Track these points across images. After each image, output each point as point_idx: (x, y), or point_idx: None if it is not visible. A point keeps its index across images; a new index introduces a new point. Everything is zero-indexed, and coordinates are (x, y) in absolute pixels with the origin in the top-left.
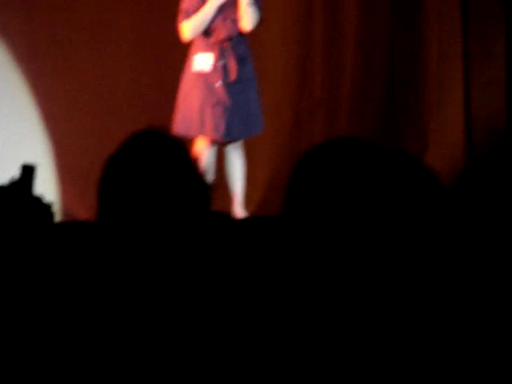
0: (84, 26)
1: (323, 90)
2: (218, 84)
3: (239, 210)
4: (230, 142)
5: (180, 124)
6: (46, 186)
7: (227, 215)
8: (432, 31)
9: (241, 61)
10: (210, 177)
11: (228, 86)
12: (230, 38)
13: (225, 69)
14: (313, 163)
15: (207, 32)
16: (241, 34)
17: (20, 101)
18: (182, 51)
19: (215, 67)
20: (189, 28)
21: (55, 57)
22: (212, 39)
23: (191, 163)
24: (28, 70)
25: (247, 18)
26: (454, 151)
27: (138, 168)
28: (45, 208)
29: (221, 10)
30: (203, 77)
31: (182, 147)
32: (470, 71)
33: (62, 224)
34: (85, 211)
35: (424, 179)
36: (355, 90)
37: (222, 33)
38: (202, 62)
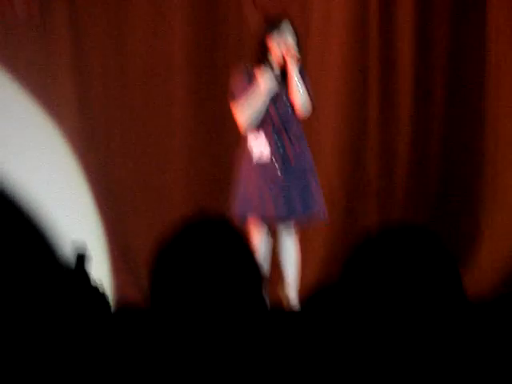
0: (137, 119)
1: (377, 174)
2: (277, 168)
3: (293, 295)
4: (285, 226)
5: (239, 206)
6: (98, 266)
7: (280, 309)
8: (489, 136)
9: (297, 144)
10: (265, 263)
11: (287, 169)
12: (284, 123)
13: (282, 153)
14: (367, 251)
15: (263, 120)
16: (296, 121)
17: (73, 181)
18: (236, 134)
19: (272, 151)
20: (243, 116)
21: (110, 150)
22: (267, 124)
23: (246, 249)
24: (84, 162)
25: (301, 105)
26: (509, 243)
27: (191, 253)
28: (103, 298)
29: (273, 98)
30: (263, 164)
31: (236, 232)
32: None
33: (116, 312)
34: (137, 292)
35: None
36: (409, 175)
37: (276, 118)
38: (259, 146)
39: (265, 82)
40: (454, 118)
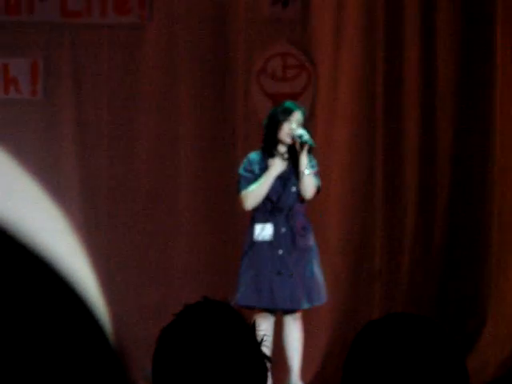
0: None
1: (382, 261)
2: (280, 253)
3: (296, 381)
4: (289, 312)
5: (243, 296)
6: None
7: None
8: (494, 202)
9: (301, 229)
10: (267, 348)
11: (290, 254)
12: (290, 207)
13: (286, 238)
14: (369, 340)
15: (268, 201)
16: (301, 202)
17: (81, 272)
18: (242, 219)
19: (276, 236)
20: (249, 198)
21: (114, 230)
22: (273, 208)
23: (250, 334)
24: (88, 242)
25: (309, 186)
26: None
27: (194, 340)
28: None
29: (280, 178)
30: (265, 246)
31: (239, 318)
32: None
33: None
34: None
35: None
36: (414, 262)
37: (282, 202)
38: (263, 231)
39: (275, 169)
40: (457, 209)
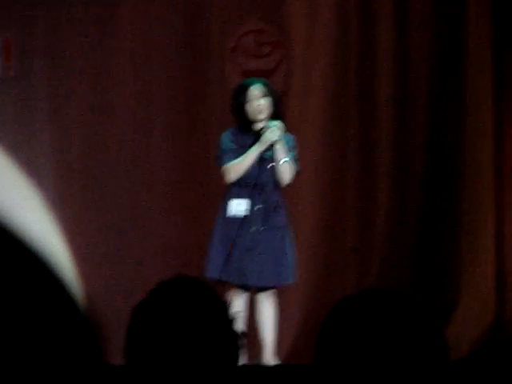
0: (114, 180)
1: (355, 238)
2: (253, 229)
3: (270, 359)
4: (261, 289)
5: (212, 268)
6: None
7: (257, 365)
8: (466, 189)
9: (275, 208)
10: (241, 325)
11: (262, 232)
12: (265, 184)
13: (259, 215)
14: (343, 314)
15: (244, 178)
16: (276, 182)
17: (53, 249)
18: (215, 193)
19: (250, 213)
20: (232, 171)
21: (87, 206)
22: (248, 185)
23: (223, 310)
24: (61, 219)
25: (285, 173)
26: (485, 306)
27: (167, 315)
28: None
29: (258, 156)
30: (237, 222)
31: (213, 293)
32: (502, 224)
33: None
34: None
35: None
36: (388, 239)
37: (258, 179)
38: (237, 207)
39: (261, 146)
40: (430, 184)
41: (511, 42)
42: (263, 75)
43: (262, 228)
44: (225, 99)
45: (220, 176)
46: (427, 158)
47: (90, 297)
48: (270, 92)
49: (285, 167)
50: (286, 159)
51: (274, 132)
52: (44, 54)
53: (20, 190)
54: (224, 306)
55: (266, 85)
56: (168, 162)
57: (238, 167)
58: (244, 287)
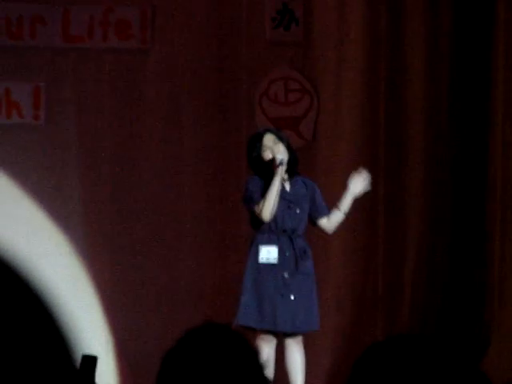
0: (144, 223)
1: (384, 285)
2: (285, 276)
3: None
4: (290, 335)
5: (245, 315)
6: (105, 378)
7: None
8: (495, 224)
9: (304, 254)
10: (270, 371)
11: (293, 278)
12: (294, 230)
13: (290, 261)
14: (373, 360)
15: (272, 222)
16: (303, 226)
17: (83, 293)
18: (245, 240)
19: (281, 259)
20: (265, 208)
21: (117, 253)
22: (277, 230)
23: (253, 358)
24: (91, 266)
25: (335, 227)
26: None
27: (197, 363)
28: None
29: (284, 200)
30: (269, 268)
31: (243, 342)
32: None
33: None
34: None
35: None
36: (416, 284)
37: (286, 224)
38: (268, 254)
39: (277, 177)
40: (459, 228)
41: None
42: (292, 122)
43: (293, 274)
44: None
45: (245, 220)
46: (455, 198)
47: (119, 344)
48: (283, 138)
49: (341, 218)
50: (345, 212)
51: (280, 152)
52: (73, 102)
53: (49, 236)
54: (254, 354)
55: (276, 132)
56: (198, 210)
57: (267, 202)
58: (274, 333)
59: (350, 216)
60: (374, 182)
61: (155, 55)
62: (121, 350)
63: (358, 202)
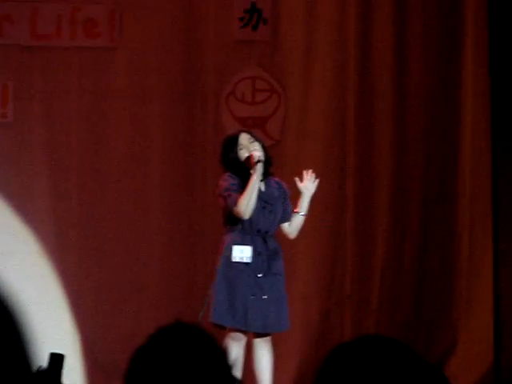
0: (112, 220)
1: (353, 284)
2: (259, 275)
3: None
4: (260, 335)
5: (217, 313)
6: (73, 375)
7: None
8: (464, 226)
9: (275, 254)
10: (237, 370)
11: (265, 278)
12: (267, 231)
13: (262, 261)
14: (338, 361)
15: (246, 222)
16: (275, 227)
17: (52, 294)
18: (212, 241)
19: (253, 259)
20: (243, 207)
21: (85, 252)
22: (251, 230)
23: (221, 358)
24: (59, 264)
25: (300, 226)
26: (483, 347)
27: (166, 361)
28: None
29: (259, 200)
30: (241, 267)
31: (212, 341)
32: (500, 270)
33: None
34: None
35: None
36: (385, 283)
37: (261, 224)
38: (241, 253)
39: (256, 174)
40: (428, 231)
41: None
42: (259, 122)
43: (266, 275)
44: (218, 146)
45: (218, 221)
46: (425, 205)
47: (87, 343)
48: (258, 138)
49: (302, 220)
50: (304, 214)
51: (257, 150)
52: (39, 99)
53: (16, 234)
54: (223, 354)
55: (251, 132)
56: (165, 210)
57: (247, 198)
58: (244, 332)
59: (317, 214)
60: (342, 180)
61: (122, 53)
62: (88, 348)
63: (326, 200)
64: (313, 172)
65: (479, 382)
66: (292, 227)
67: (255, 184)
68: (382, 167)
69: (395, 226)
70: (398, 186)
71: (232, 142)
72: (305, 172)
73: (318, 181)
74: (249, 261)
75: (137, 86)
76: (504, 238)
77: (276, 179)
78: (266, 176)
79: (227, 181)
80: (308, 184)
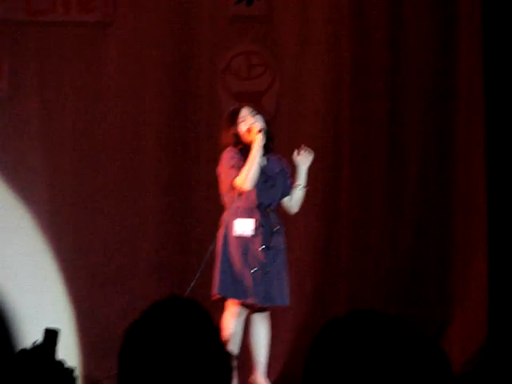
0: (107, 198)
1: (348, 260)
2: (261, 248)
3: (261, 379)
4: (260, 310)
5: (221, 286)
6: (68, 351)
7: None
8: (458, 204)
9: (277, 229)
10: (236, 344)
11: (266, 252)
12: (269, 205)
13: (265, 235)
14: (331, 336)
15: (248, 196)
16: (278, 201)
17: (44, 269)
18: (209, 217)
19: (256, 232)
20: (247, 178)
21: (79, 227)
22: (252, 205)
23: (214, 331)
24: (53, 240)
25: (301, 200)
26: (479, 319)
27: (160, 336)
28: (67, 372)
29: (262, 174)
30: (243, 241)
31: (206, 316)
32: (494, 247)
33: None
34: (105, 375)
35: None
36: (380, 260)
37: (263, 198)
38: (244, 227)
39: (258, 143)
40: (422, 206)
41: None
42: (254, 97)
43: (267, 249)
44: (216, 121)
45: (212, 199)
46: (420, 182)
47: (81, 319)
48: (259, 111)
49: (302, 194)
50: (304, 186)
51: (258, 122)
52: (34, 74)
53: (10, 209)
54: (216, 329)
55: (253, 107)
56: (159, 184)
57: (249, 169)
58: (245, 306)
59: (313, 195)
60: (337, 157)
61: (118, 28)
62: (83, 324)
63: (321, 180)
64: (307, 148)
65: (472, 359)
66: (293, 201)
67: (257, 154)
68: (378, 140)
69: (390, 202)
70: (393, 160)
71: (233, 115)
72: (301, 148)
73: (312, 155)
74: (252, 233)
75: (131, 61)
76: (498, 217)
77: (277, 155)
78: (267, 151)
79: (228, 154)
80: (303, 157)
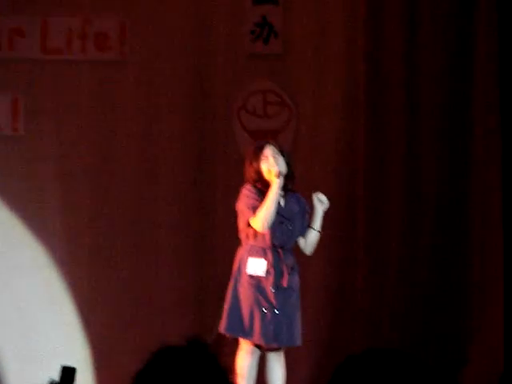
0: (123, 234)
1: (364, 298)
2: (272, 290)
3: None
4: (273, 349)
5: (229, 324)
6: None
7: None
8: (475, 245)
9: (291, 269)
10: (251, 381)
11: (278, 292)
12: (283, 245)
13: (277, 275)
14: (347, 374)
15: (262, 236)
16: (292, 242)
17: (62, 307)
18: (223, 253)
19: (269, 272)
20: (263, 218)
21: (96, 266)
22: (266, 244)
23: (224, 379)
24: (70, 278)
25: (316, 243)
26: (494, 363)
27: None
28: None
29: (277, 214)
30: (256, 280)
31: (215, 361)
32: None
33: None
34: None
35: None
36: (396, 300)
37: (277, 238)
38: (256, 266)
39: (276, 185)
40: (440, 243)
41: None
42: (270, 135)
43: (279, 289)
44: (232, 160)
45: (229, 232)
46: (436, 217)
47: (96, 357)
48: (283, 152)
49: (317, 238)
50: (318, 230)
51: (278, 164)
52: (51, 113)
53: (28, 248)
54: (225, 374)
55: (277, 146)
56: (175, 225)
57: (266, 211)
58: (257, 345)
59: (330, 231)
60: (353, 196)
61: (133, 67)
62: (99, 362)
63: (337, 218)
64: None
65: None
66: (307, 243)
67: (274, 197)
68: (394, 178)
69: (407, 242)
70: (410, 199)
71: (257, 151)
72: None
73: (328, 202)
74: (263, 274)
75: (147, 100)
76: None
77: (297, 194)
78: (286, 191)
79: (246, 193)
80: (320, 200)
